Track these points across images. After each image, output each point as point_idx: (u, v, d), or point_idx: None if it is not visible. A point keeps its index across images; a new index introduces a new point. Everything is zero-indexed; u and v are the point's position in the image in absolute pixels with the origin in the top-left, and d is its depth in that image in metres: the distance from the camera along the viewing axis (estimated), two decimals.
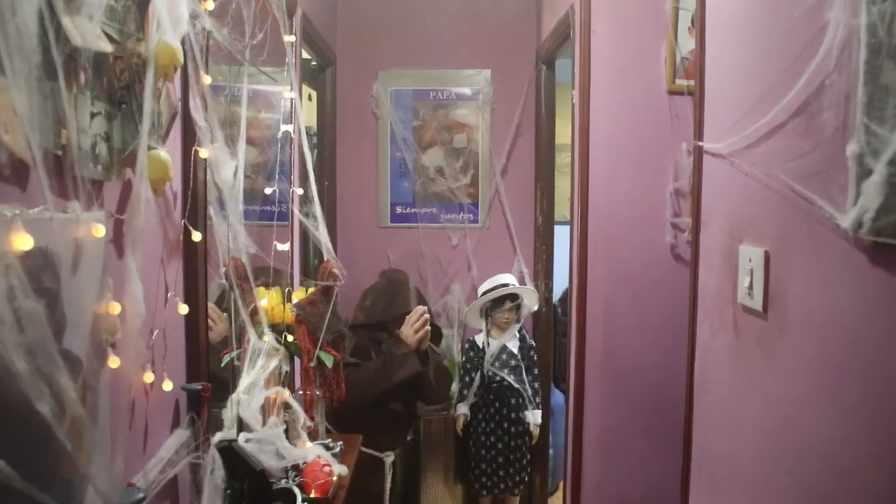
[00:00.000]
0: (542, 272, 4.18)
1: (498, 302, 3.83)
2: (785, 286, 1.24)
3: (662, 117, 2.96)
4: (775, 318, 1.28)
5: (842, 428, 1.05)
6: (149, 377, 1.44)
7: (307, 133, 4.50)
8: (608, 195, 2.98)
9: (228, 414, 2.19)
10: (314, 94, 4.34)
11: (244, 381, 2.23)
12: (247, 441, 2.04)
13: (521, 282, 4.09)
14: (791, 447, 1.24)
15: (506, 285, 3.84)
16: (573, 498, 3.08)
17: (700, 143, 1.61)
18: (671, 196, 2.98)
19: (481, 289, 3.93)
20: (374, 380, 3.35)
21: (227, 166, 1.80)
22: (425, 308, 3.47)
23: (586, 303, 2.99)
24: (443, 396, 3.84)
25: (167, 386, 1.52)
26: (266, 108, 2.72)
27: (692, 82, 2.96)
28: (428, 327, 3.40)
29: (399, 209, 4.30)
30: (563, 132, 4.28)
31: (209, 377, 1.79)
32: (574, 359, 3.00)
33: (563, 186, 4.47)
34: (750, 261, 1.35)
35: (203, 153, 1.68)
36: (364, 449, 2.84)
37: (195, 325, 1.70)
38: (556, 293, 4.48)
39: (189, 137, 1.64)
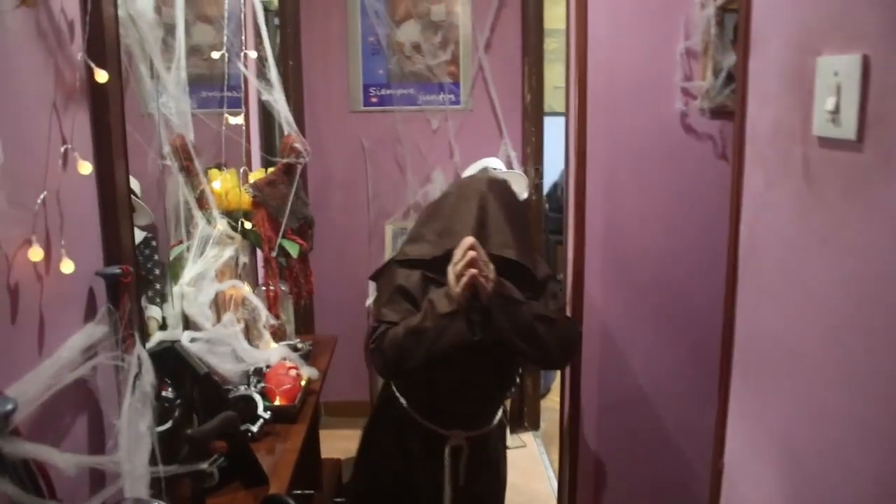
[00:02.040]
0: (532, 156, 3.82)
1: None
2: (894, 102, 0.90)
3: None
4: (877, 148, 0.94)
5: None
6: (36, 254, 1.09)
7: (267, 9, 4.07)
8: (609, 56, 2.59)
9: (171, 311, 1.86)
10: None
11: (189, 272, 1.89)
12: (192, 341, 1.71)
13: (509, 167, 3.73)
14: (882, 324, 0.92)
15: (493, 170, 3.49)
16: (572, 398, 2.80)
17: None
18: (681, 57, 2.60)
19: (465, 175, 3.57)
20: (416, 343, 1.97)
21: None
22: (473, 240, 1.95)
23: (585, 179, 2.64)
24: (559, 359, 2.38)
25: (66, 267, 1.17)
26: None
27: None
28: (475, 270, 1.89)
29: (372, 91, 3.89)
30: (552, 14, 3.87)
31: (134, 261, 1.44)
32: (573, 242, 2.67)
33: (551, 75, 4.07)
34: (836, 74, 1.00)
35: None
36: (424, 422, 2.14)
37: (111, 192, 1.33)
38: (545, 186, 4.14)
39: None
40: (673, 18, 2.58)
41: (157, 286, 2.05)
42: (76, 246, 1.25)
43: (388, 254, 3.91)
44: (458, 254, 1.93)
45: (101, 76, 1.25)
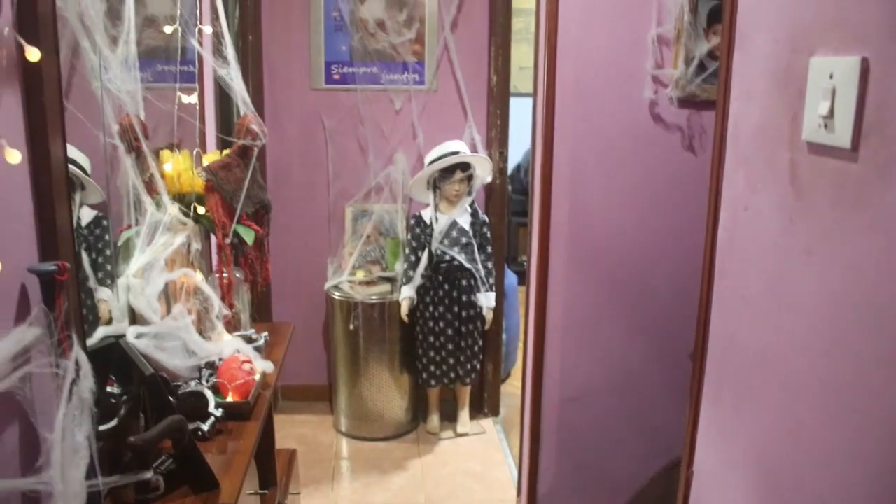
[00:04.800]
0: (497, 139, 3.74)
1: (447, 172, 3.41)
2: (894, 110, 0.84)
3: None
4: (873, 159, 0.88)
5: None
6: None
7: None
8: (578, 43, 2.52)
9: (115, 303, 1.75)
10: None
11: (136, 262, 1.78)
12: (138, 337, 1.61)
13: (473, 150, 3.65)
14: (870, 341, 0.87)
15: (456, 153, 3.41)
16: (534, 387, 2.75)
17: None
18: (653, 44, 2.54)
19: (428, 157, 3.49)
20: None
21: None
22: None
23: (552, 165, 2.58)
24: None
25: None
26: None
27: None
28: None
29: (335, 69, 3.76)
30: None
31: (74, 256, 1.33)
32: (538, 229, 2.61)
33: (517, 55, 3.99)
34: (831, 77, 0.94)
35: None
36: None
37: (46, 181, 1.23)
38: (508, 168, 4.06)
39: None
40: (644, 2, 2.52)
41: (108, 267, 1.95)
42: (5, 240, 1.15)
43: (349, 236, 3.82)
44: None
45: (33, 54, 1.14)
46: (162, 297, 1.89)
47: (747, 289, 1.19)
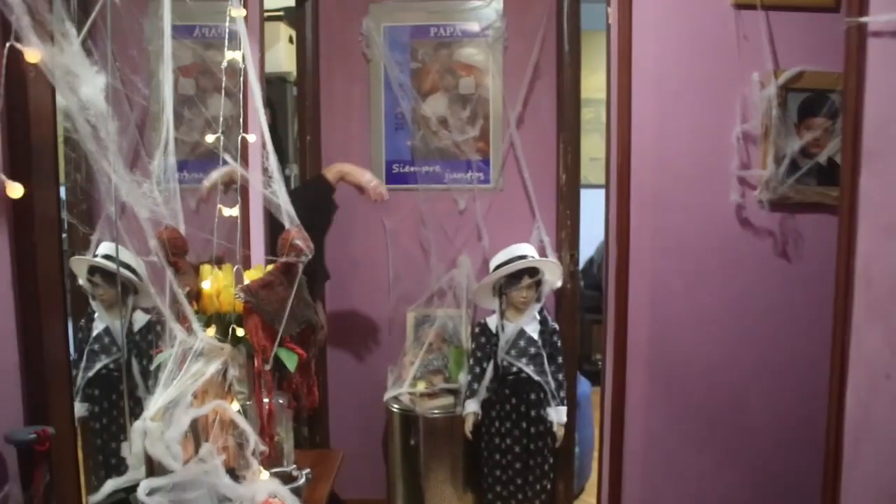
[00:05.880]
0: (567, 241, 3.51)
1: (514, 277, 3.18)
2: None
3: (727, 39, 2.29)
4: None
5: None
6: None
7: (286, 80, 3.86)
8: (656, 141, 2.32)
9: (128, 450, 1.56)
10: (293, 35, 3.68)
11: (156, 400, 1.59)
12: (150, 493, 1.40)
13: (542, 253, 3.42)
14: None
15: (523, 257, 3.18)
16: None
17: (863, 19, 0.93)
18: (738, 142, 2.32)
19: (494, 262, 3.27)
20: None
21: (88, 82, 1.14)
22: None
23: (628, 280, 2.33)
24: None
25: None
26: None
27: None
28: None
29: (395, 168, 3.63)
30: (588, 84, 3.64)
31: (69, 419, 1.14)
32: (612, 350, 2.36)
33: (587, 145, 3.82)
34: None
35: (31, 55, 1.02)
36: None
37: (34, 337, 1.04)
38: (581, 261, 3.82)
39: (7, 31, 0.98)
40: (727, 97, 2.31)
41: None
42: None
43: (410, 343, 3.61)
44: None
45: (14, 191, 0.97)
46: (189, 435, 1.70)
47: (886, 479, 0.92)
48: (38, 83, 1.05)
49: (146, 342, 1.88)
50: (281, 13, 3.79)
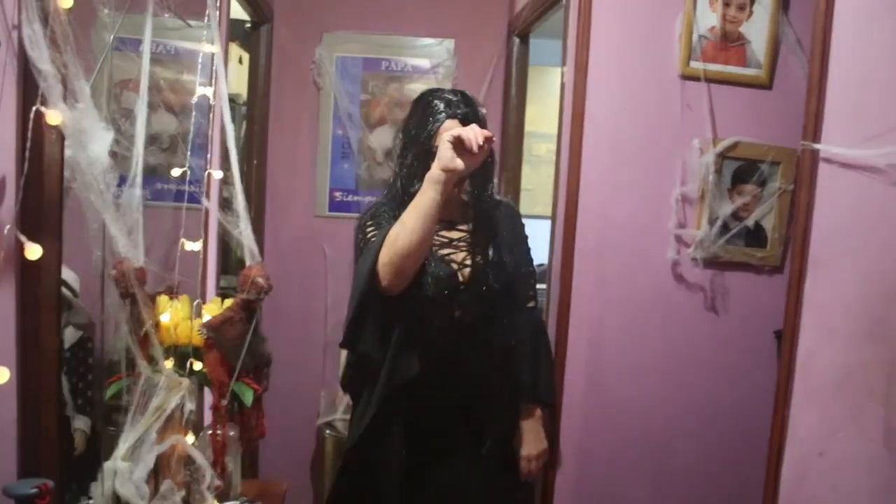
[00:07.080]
0: None
1: None
2: None
3: (672, 107, 2.44)
4: None
5: None
6: None
7: (235, 102, 3.87)
8: (600, 197, 2.45)
9: (98, 490, 1.58)
10: (245, 57, 3.70)
11: (125, 441, 1.62)
12: None
13: None
14: None
15: None
16: None
17: (816, 146, 1.07)
18: (677, 203, 2.47)
19: None
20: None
21: (97, 139, 1.18)
22: None
23: (568, 327, 2.46)
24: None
25: None
26: (190, 70, 2.11)
27: (709, 66, 2.45)
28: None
29: (339, 196, 3.68)
30: (532, 117, 3.77)
31: (64, 471, 1.18)
32: None
33: (531, 177, 3.95)
34: None
35: (53, 118, 1.06)
36: None
37: (35, 394, 1.08)
38: None
39: (28, 92, 1.03)
40: (670, 159, 2.46)
41: (89, 393, 1.85)
42: None
43: (342, 367, 3.64)
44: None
45: (33, 252, 1.01)
46: (150, 475, 1.72)
47: None
48: (53, 142, 1.09)
49: (76, 359, 1.82)
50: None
